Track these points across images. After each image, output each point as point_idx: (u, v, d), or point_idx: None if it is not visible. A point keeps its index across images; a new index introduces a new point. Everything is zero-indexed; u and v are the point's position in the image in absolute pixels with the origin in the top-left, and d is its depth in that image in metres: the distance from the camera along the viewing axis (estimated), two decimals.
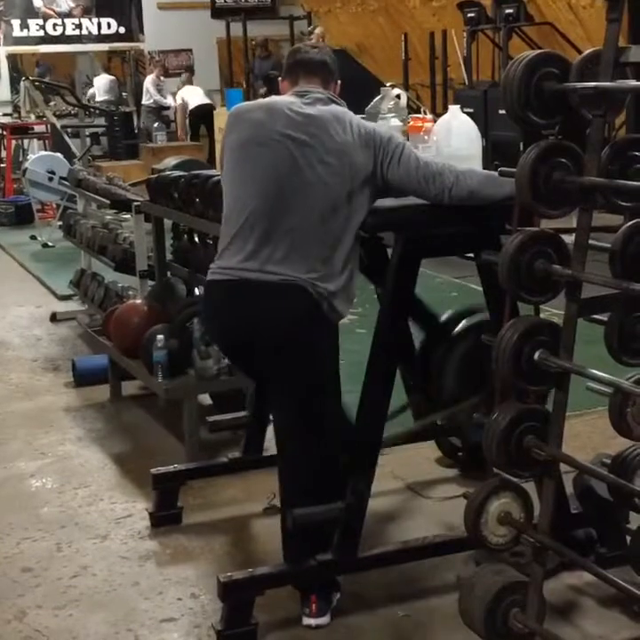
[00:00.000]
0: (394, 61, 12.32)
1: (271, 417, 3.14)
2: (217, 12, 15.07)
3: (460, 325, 3.53)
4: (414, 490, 3.71)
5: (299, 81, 2.94)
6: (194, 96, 13.68)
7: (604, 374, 2.34)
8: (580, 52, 2.47)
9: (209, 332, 3.33)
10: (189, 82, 13.93)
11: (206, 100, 13.57)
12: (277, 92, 3.06)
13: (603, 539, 2.98)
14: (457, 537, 2.95)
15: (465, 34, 10.52)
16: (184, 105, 13.70)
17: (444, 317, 3.62)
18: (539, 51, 2.45)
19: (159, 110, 14.40)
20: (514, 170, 2.41)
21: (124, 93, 15.86)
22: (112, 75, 15.60)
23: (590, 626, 2.79)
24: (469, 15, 10.40)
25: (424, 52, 11.72)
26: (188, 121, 13.72)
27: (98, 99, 14.87)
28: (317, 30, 11.92)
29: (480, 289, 3.17)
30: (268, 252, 2.76)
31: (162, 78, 14.50)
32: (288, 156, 2.76)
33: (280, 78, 3.03)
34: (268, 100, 2.98)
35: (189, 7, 15.07)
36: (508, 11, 9.84)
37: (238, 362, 3.20)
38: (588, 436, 3.95)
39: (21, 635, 2.89)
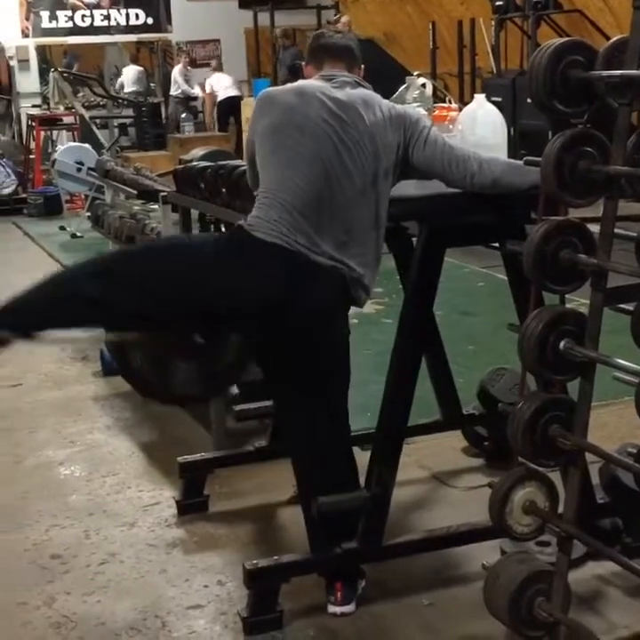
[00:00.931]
0: (421, 50, 12.27)
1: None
2: (244, 2, 15.05)
3: None
4: (440, 479, 3.72)
5: (323, 65, 2.95)
6: (222, 85, 13.66)
7: (629, 364, 2.34)
8: (609, 39, 2.45)
9: (227, 281, 2.79)
10: (219, 68, 13.86)
11: (235, 92, 13.57)
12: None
13: (628, 528, 2.98)
14: (482, 526, 2.95)
15: (493, 22, 10.46)
16: (212, 94, 13.70)
17: None
18: (565, 38, 2.43)
19: (187, 101, 14.46)
20: (539, 159, 2.40)
21: (151, 84, 15.91)
22: (140, 65, 15.65)
23: (615, 615, 2.79)
24: (498, 3, 10.33)
25: (452, 41, 11.67)
26: (216, 110, 13.74)
27: (126, 90, 14.93)
28: (343, 19, 11.87)
29: (506, 279, 3.17)
30: (316, 237, 2.74)
31: (189, 68, 14.53)
32: (328, 141, 2.77)
33: (304, 63, 3.04)
34: (296, 84, 2.96)
35: None
36: None
37: (245, 322, 2.83)
38: (614, 426, 3.93)
39: (50, 620, 2.93)
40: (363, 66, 3.00)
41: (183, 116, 12.57)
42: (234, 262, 2.80)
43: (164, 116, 14.62)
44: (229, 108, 13.34)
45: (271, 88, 3.05)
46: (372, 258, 2.82)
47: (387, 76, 5.21)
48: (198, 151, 6.63)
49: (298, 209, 2.76)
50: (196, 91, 14.47)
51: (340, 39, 2.99)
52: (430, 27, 11.73)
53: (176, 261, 2.86)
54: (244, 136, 11.97)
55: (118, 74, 15.96)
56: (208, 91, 13.84)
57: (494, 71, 10.49)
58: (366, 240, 2.79)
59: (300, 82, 2.98)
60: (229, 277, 2.77)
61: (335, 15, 13.18)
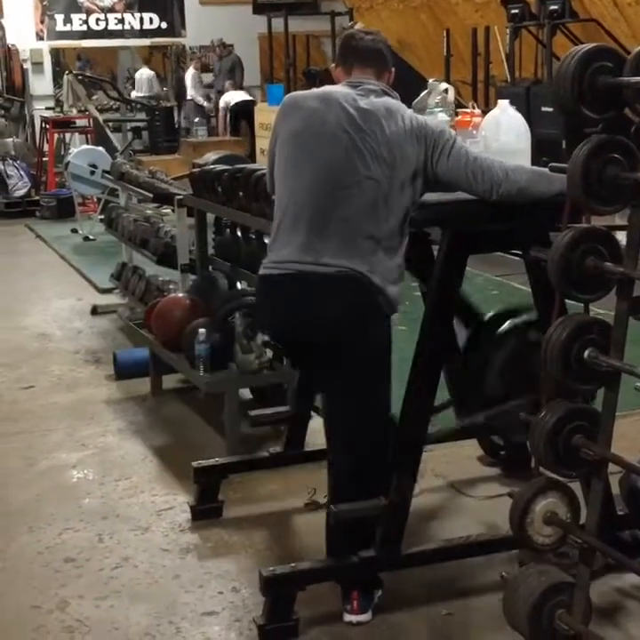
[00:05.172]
0: (435, 58, 12.25)
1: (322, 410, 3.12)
2: (258, 8, 15.05)
3: (506, 325, 3.50)
4: (456, 488, 3.69)
5: (352, 71, 2.93)
6: (235, 98, 13.69)
7: None
8: (624, 48, 2.43)
9: (265, 325, 3.29)
10: (234, 88, 13.92)
11: (247, 96, 13.58)
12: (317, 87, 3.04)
13: None
14: (500, 536, 2.93)
15: (508, 30, 10.43)
16: (227, 107, 13.72)
17: (488, 316, 3.59)
18: (593, 44, 2.41)
19: (201, 105, 14.48)
20: (565, 166, 2.38)
21: (165, 88, 15.94)
22: (152, 69, 15.69)
23: (636, 628, 2.76)
24: (513, 11, 10.28)
25: (466, 49, 11.64)
26: (228, 118, 13.75)
27: (139, 93, 14.96)
28: (357, 26, 11.86)
29: (520, 287, 3.15)
30: (320, 245, 2.75)
31: (199, 73, 14.57)
32: (342, 150, 2.76)
33: (334, 65, 3.01)
34: (322, 89, 2.94)
35: (231, 2, 15.08)
36: (552, 7, 9.70)
37: (294, 354, 3.19)
38: (634, 437, 3.90)
39: (63, 624, 2.91)
40: (393, 69, 2.98)
41: (196, 120, 12.57)
42: (265, 310, 3.08)
43: (176, 120, 14.62)
44: (241, 111, 13.34)
45: (296, 92, 3.05)
46: (387, 268, 2.77)
47: (401, 83, 5.18)
48: (211, 155, 6.63)
49: (303, 220, 2.78)
50: (201, 100, 14.52)
51: (371, 42, 2.95)
52: (444, 34, 11.71)
53: None
54: (257, 141, 11.99)
55: (131, 77, 15.98)
56: (222, 105, 13.87)
57: (508, 79, 10.46)
58: (387, 249, 2.76)
59: (326, 87, 2.95)
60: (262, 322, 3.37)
61: (350, 21, 13.15)
